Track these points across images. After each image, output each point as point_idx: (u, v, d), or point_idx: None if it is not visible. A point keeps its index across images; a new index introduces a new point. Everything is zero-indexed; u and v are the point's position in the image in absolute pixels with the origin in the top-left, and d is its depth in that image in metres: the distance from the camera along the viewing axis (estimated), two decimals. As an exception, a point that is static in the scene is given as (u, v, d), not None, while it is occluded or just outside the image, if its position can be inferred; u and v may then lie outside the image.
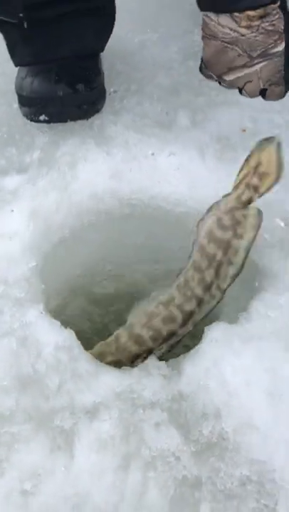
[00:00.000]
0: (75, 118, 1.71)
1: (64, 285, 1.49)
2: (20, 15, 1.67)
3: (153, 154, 1.58)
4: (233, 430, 1.04)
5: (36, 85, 1.70)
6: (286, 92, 1.52)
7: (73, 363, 1.13)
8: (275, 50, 1.45)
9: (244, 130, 1.69)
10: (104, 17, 1.79)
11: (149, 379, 1.13)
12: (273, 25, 1.42)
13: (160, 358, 1.26)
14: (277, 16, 1.41)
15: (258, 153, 1.30)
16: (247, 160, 1.31)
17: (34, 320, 1.21)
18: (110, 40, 1.84)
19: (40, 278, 1.33)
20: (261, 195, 1.28)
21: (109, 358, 1.28)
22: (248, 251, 1.26)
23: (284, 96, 1.52)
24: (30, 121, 1.72)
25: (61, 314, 1.34)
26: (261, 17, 1.40)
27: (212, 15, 1.43)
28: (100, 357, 1.25)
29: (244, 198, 1.27)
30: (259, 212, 1.26)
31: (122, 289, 1.56)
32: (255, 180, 1.29)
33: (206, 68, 1.53)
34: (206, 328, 1.21)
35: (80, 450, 1.01)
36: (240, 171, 1.31)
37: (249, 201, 1.28)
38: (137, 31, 2.06)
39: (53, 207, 1.47)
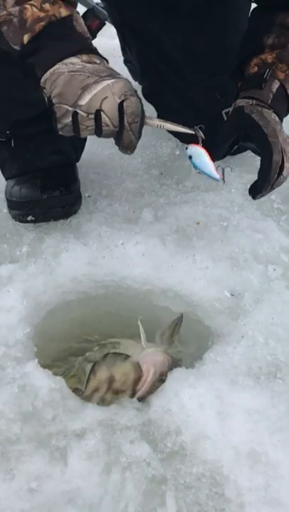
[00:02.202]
0: (56, 218, 1.88)
1: (52, 345, 1.63)
2: (7, 132, 1.86)
3: (122, 244, 1.76)
4: (190, 441, 1.26)
5: (24, 192, 1.88)
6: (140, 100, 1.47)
7: (63, 400, 1.34)
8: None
9: (198, 223, 1.88)
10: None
11: (124, 410, 1.35)
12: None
13: None
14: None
15: (107, 369, 1.42)
16: (93, 371, 1.41)
17: (31, 371, 1.39)
18: (83, 154, 2.04)
19: (33, 341, 1.51)
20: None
21: None
22: None
23: (140, 105, 1.47)
24: (19, 222, 1.89)
25: (52, 367, 1.51)
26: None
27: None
28: None
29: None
30: None
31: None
32: (108, 396, 1.40)
33: (59, 104, 1.43)
34: (168, 373, 1.43)
35: (72, 459, 1.23)
36: (87, 382, 1.41)
37: None
38: (106, 146, 2.22)
39: (41, 288, 1.64)
